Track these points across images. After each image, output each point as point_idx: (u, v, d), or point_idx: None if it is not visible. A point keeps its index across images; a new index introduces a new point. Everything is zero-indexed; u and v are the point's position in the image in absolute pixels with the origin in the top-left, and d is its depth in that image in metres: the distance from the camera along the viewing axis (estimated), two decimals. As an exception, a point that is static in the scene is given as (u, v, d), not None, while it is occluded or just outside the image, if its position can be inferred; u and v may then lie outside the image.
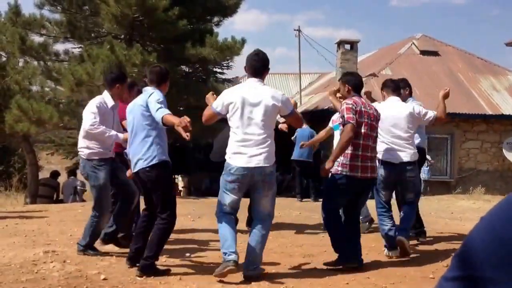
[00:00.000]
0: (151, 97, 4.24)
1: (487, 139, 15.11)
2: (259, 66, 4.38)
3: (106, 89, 5.13)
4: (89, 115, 4.90)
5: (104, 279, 4.15)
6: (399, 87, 5.55)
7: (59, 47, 22.96)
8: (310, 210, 8.54)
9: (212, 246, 5.45)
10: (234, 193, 4.24)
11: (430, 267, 4.71)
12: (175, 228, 6.31)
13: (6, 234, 6.04)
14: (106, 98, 5.07)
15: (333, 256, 4.91)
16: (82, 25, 13.59)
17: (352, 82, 4.83)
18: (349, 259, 4.58)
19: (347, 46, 16.82)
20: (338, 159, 4.58)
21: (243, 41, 13.39)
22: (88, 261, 4.71)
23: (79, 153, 5.11)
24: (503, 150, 14.73)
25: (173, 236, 5.90)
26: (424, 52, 17.71)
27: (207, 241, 5.79)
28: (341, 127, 4.66)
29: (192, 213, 7.74)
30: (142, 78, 5.59)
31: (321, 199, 5.02)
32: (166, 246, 5.40)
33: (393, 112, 5.20)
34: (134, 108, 4.39)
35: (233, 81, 14.96)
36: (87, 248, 4.98)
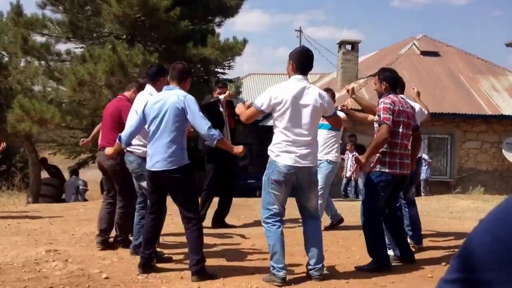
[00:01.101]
0: (191, 104, 4.17)
1: (487, 139, 15.16)
2: (307, 63, 4.28)
3: (149, 84, 4.95)
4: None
5: (106, 278, 4.16)
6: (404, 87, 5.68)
7: (61, 47, 23.04)
8: (311, 210, 8.55)
9: (213, 245, 5.47)
10: (282, 192, 4.17)
11: (429, 266, 4.75)
12: (175, 227, 6.36)
13: (9, 233, 6.07)
14: (153, 93, 4.80)
15: (333, 255, 4.96)
16: (84, 25, 13.66)
17: (390, 80, 4.76)
18: (384, 264, 4.57)
19: (348, 47, 16.88)
20: (377, 157, 4.62)
21: (245, 42, 13.47)
22: (90, 260, 4.74)
23: (131, 150, 4.83)
24: (503, 150, 14.77)
25: (173, 235, 5.97)
26: (424, 53, 17.74)
27: (208, 240, 5.83)
28: (377, 125, 4.66)
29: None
30: (139, 76, 5.52)
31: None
32: (167, 246, 5.48)
33: None
34: (163, 106, 4.21)
35: (234, 81, 15.00)
36: (137, 248, 4.76)
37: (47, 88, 13.65)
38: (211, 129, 4.16)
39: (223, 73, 16.11)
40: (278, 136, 4.16)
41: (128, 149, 4.79)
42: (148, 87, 4.93)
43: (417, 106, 5.45)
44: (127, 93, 5.50)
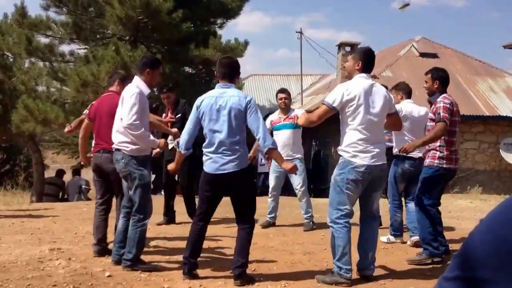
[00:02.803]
0: (254, 106, 4.05)
1: (485, 139, 15.28)
2: (373, 63, 4.32)
3: (137, 75, 4.52)
4: (130, 109, 4.25)
5: (109, 276, 4.16)
6: (411, 92, 5.97)
7: (65, 48, 23.16)
8: (311, 209, 8.67)
9: (215, 244, 5.48)
10: (356, 191, 4.14)
11: (427, 265, 4.78)
12: (178, 226, 6.50)
13: (13, 231, 6.09)
14: (141, 86, 4.43)
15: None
16: (88, 26, 13.76)
17: (443, 79, 4.95)
18: (437, 252, 4.80)
19: (348, 48, 17.01)
20: (435, 153, 4.85)
21: (246, 43, 13.60)
22: (93, 259, 4.74)
23: (119, 148, 4.43)
24: (500, 151, 14.86)
25: (175, 235, 6.00)
26: (423, 54, 17.88)
27: (209, 240, 5.77)
28: (432, 123, 4.86)
29: (196, 212, 7.79)
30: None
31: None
32: (168, 246, 5.47)
33: (414, 114, 5.59)
34: (223, 106, 4.01)
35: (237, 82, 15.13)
36: (136, 261, 4.37)
37: (51, 89, 13.75)
38: (269, 136, 4.07)
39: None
40: (351, 135, 4.09)
41: (115, 146, 4.46)
42: (136, 80, 4.48)
43: (423, 110, 5.68)
44: (113, 88, 5.08)
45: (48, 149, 19.12)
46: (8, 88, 13.25)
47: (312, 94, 21.16)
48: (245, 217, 4.13)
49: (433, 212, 4.89)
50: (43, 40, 13.61)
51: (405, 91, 5.87)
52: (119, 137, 4.43)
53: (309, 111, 4.55)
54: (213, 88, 4.32)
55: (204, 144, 4.14)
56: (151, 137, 4.43)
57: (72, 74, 12.17)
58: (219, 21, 15.08)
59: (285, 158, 5.80)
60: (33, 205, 9.96)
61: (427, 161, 4.97)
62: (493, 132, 15.31)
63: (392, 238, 5.75)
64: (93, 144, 5.07)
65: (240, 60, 14.82)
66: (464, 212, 9.00)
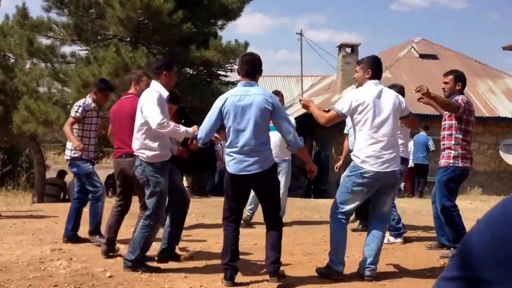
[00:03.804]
0: (279, 105, 4.05)
1: (484, 140, 15.33)
2: (381, 69, 4.44)
3: (154, 79, 4.48)
4: (154, 110, 4.20)
5: (110, 276, 4.16)
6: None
7: (66, 49, 23.19)
8: (311, 210, 8.69)
9: (216, 244, 5.48)
10: (361, 195, 4.22)
11: (427, 265, 4.83)
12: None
13: (14, 232, 6.09)
14: (159, 89, 4.39)
15: None
16: (89, 27, 13.80)
17: (464, 81, 5.13)
18: None
19: (348, 50, 17.07)
20: (450, 153, 4.96)
21: (246, 44, 13.63)
22: (94, 259, 4.75)
23: (137, 154, 4.41)
24: (500, 152, 14.90)
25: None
26: (423, 56, 17.94)
27: (211, 240, 5.84)
28: (448, 121, 5.02)
29: (196, 212, 7.70)
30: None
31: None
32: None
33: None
34: (248, 104, 3.93)
35: (236, 83, 15.18)
36: (137, 264, 4.36)
37: (52, 90, 13.80)
38: (296, 135, 4.09)
39: (225, 75, 16.28)
40: (361, 141, 4.14)
41: (135, 153, 4.45)
42: (154, 84, 4.45)
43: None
44: (131, 90, 5.03)
45: (49, 149, 19.14)
46: (9, 89, 13.28)
47: (312, 95, 21.18)
48: (272, 214, 4.12)
49: (456, 213, 5.02)
50: (45, 41, 13.68)
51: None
52: (136, 144, 4.42)
53: (325, 110, 4.62)
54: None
55: (226, 144, 4.09)
56: (182, 128, 4.35)
57: (73, 75, 12.20)
58: (219, 22, 15.12)
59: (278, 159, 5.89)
60: (34, 205, 9.94)
61: (442, 162, 5.04)
62: (493, 133, 15.36)
63: (392, 239, 5.77)
64: (114, 149, 5.02)
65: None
66: (464, 213, 8.95)
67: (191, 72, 15.13)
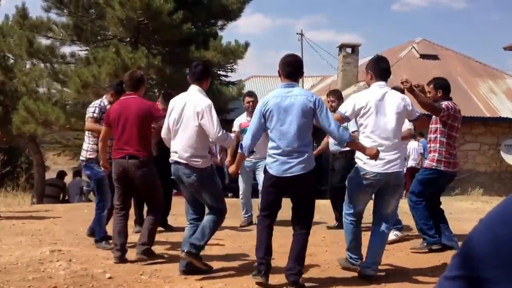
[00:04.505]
0: (323, 104, 3.95)
1: (485, 141, 15.30)
2: (385, 69, 4.40)
3: (195, 84, 4.44)
4: (215, 122, 4.25)
5: (109, 277, 4.17)
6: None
7: (66, 49, 23.18)
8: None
9: (216, 245, 5.47)
10: (365, 194, 4.33)
11: (428, 265, 4.83)
12: (179, 227, 6.47)
13: (13, 233, 6.08)
14: (205, 95, 4.44)
15: (334, 255, 5.01)
16: (88, 28, 13.80)
17: (445, 88, 5.26)
18: (434, 241, 5.22)
19: (349, 50, 17.06)
20: (434, 156, 5.10)
21: (246, 45, 13.62)
22: (94, 260, 4.74)
23: (187, 163, 4.34)
24: (501, 152, 14.88)
25: (177, 235, 5.88)
26: (424, 56, 17.91)
27: (211, 240, 5.88)
28: (434, 125, 5.14)
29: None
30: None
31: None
32: (171, 245, 5.48)
33: None
34: (291, 105, 3.89)
35: (236, 84, 15.16)
36: (200, 249, 4.39)
37: (52, 90, 13.78)
38: (344, 130, 4.08)
39: (226, 76, 16.26)
40: (364, 143, 4.13)
41: (182, 161, 4.33)
42: (199, 90, 4.42)
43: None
44: (140, 92, 4.96)
45: (49, 150, 19.15)
46: (9, 89, 13.29)
47: (312, 96, 21.17)
48: (303, 222, 4.01)
49: (421, 206, 5.23)
50: (44, 41, 13.68)
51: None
52: (188, 152, 4.33)
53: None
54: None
55: (269, 146, 4.02)
56: (230, 134, 4.63)
57: (73, 75, 12.20)
58: (219, 22, 15.11)
59: (256, 159, 6.29)
60: (34, 206, 9.94)
61: (426, 163, 5.28)
62: (494, 134, 15.34)
63: (399, 233, 5.78)
64: (113, 149, 4.91)
65: (240, 62, 14.20)
66: (465, 213, 8.99)
67: (191, 73, 15.10)
